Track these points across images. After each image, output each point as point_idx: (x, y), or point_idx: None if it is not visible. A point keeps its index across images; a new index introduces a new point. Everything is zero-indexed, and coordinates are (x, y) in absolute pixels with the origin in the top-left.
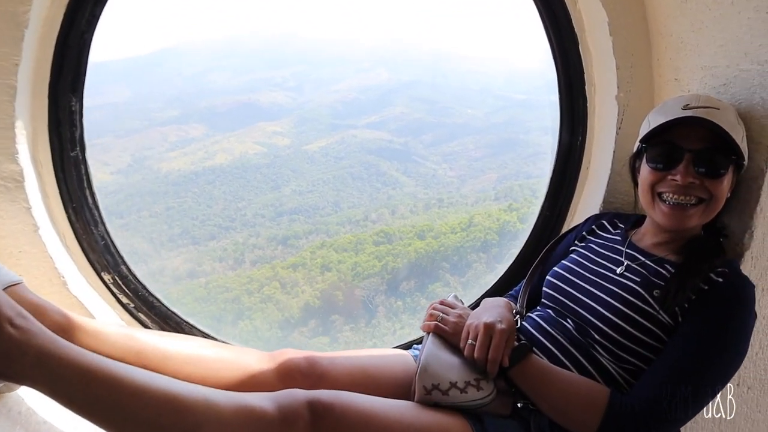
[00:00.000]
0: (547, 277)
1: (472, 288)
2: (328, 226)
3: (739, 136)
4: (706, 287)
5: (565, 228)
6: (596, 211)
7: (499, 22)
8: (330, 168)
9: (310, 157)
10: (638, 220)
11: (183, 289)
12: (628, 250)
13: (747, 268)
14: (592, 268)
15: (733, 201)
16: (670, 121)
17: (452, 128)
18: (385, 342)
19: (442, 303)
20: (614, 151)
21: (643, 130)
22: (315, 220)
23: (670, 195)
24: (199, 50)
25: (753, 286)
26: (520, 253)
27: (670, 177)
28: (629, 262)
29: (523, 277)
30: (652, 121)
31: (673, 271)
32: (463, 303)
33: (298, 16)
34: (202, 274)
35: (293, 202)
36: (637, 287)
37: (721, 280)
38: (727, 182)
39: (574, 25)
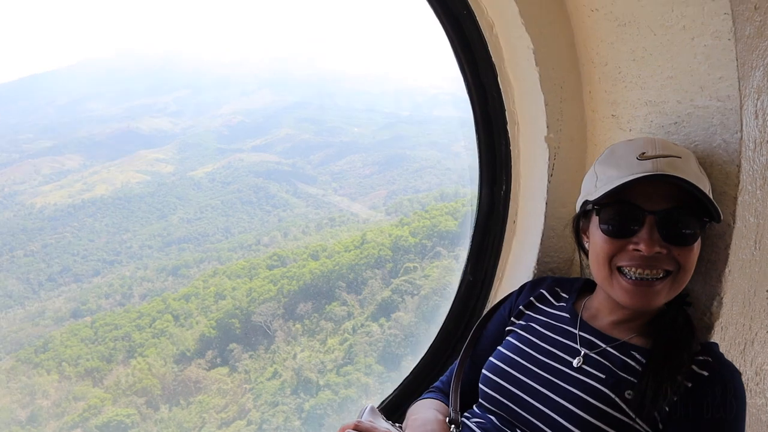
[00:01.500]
0: (484, 371)
1: (368, 305)
2: (220, 253)
3: (707, 189)
4: (689, 384)
5: (494, 295)
6: (529, 274)
7: (389, 40)
8: (218, 193)
9: (196, 184)
10: (584, 285)
11: (67, 330)
12: (582, 334)
13: (716, 340)
14: (541, 360)
15: (697, 262)
16: (631, 181)
17: (340, 147)
18: (286, 367)
19: (357, 427)
20: (546, 202)
21: (590, 186)
22: (205, 248)
23: (633, 270)
24: (75, 76)
25: (740, 374)
26: (442, 327)
27: (631, 246)
28: (587, 351)
29: (446, 356)
30: (601, 174)
31: (643, 361)
32: (381, 415)
33: (179, 39)
34: (87, 313)
35: (181, 231)
36: (602, 387)
37: (706, 373)
38: (698, 248)
39: (491, 53)
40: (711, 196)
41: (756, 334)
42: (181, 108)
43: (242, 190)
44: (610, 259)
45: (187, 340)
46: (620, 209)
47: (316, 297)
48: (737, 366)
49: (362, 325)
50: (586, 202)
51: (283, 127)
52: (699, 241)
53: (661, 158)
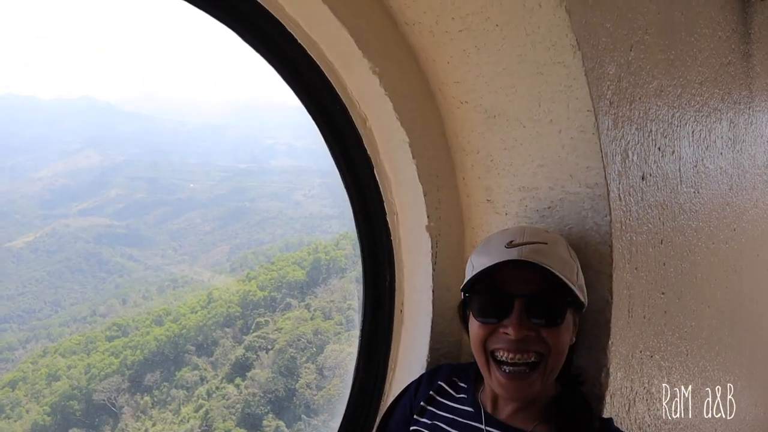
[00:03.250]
0: None
1: (222, 366)
2: (50, 330)
3: (573, 272)
4: None
5: (389, 388)
6: (422, 362)
7: (223, 89)
8: (42, 264)
9: (15, 255)
10: (480, 370)
11: None
12: (489, 428)
13: (608, 410)
14: None
15: (580, 337)
16: (491, 266)
17: (177, 204)
18: None
19: None
20: (433, 290)
21: (468, 275)
22: (32, 326)
23: (505, 354)
24: None
25: None
26: (340, 428)
27: (501, 330)
28: None
29: None
30: (476, 264)
31: None
32: None
33: None
34: None
35: (1, 310)
36: None
37: None
38: (567, 329)
39: (366, 147)
40: (577, 277)
41: (636, 393)
42: None
43: (71, 258)
44: (484, 343)
45: None
46: (490, 295)
47: (164, 364)
48: (624, 428)
49: (217, 388)
50: (462, 291)
51: (114, 188)
52: (569, 321)
53: (527, 245)
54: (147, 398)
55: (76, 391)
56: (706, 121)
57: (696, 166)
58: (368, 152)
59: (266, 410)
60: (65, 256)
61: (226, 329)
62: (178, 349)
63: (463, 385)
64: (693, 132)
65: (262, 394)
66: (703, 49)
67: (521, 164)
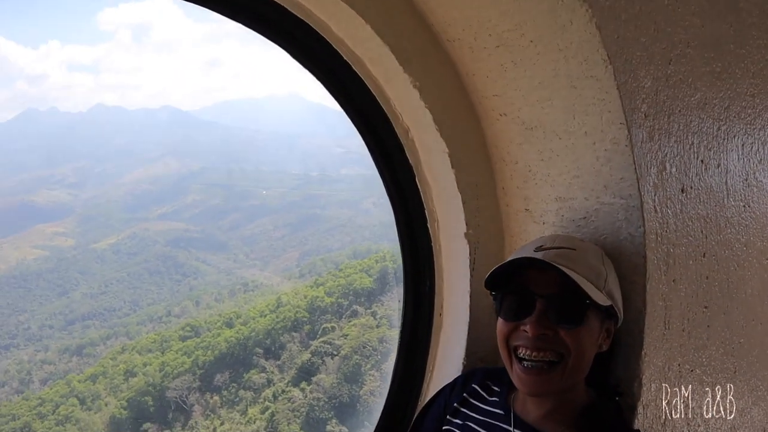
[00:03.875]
0: None
1: (288, 369)
2: (128, 328)
3: (602, 279)
4: None
5: (426, 389)
6: (459, 365)
7: (294, 103)
8: (123, 265)
9: (99, 256)
10: None
11: None
12: (517, 431)
13: (640, 421)
14: None
15: (615, 347)
16: (511, 261)
17: (250, 211)
18: None
19: None
20: (470, 295)
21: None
22: (112, 323)
23: (525, 351)
24: None
25: None
26: (377, 427)
27: (522, 328)
28: None
29: None
30: None
31: None
32: None
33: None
34: None
35: (85, 307)
36: None
37: None
38: (589, 333)
39: (408, 156)
40: (605, 284)
41: (674, 406)
42: (81, 179)
43: (149, 261)
44: (507, 341)
45: (95, 424)
46: (514, 294)
47: (233, 366)
48: None
49: (283, 391)
50: (486, 287)
51: (190, 194)
52: (592, 326)
53: (553, 249)
54: (216, 398)
55: (151, 388)
56: (759, 135)
57: (747, 180)
58: (410, 161)
59: (330, 415)
60: (144, 258)
61: (294, 334)
62: (246, 352)
63: (496, 389)
64: (743, 145)
65: (326, 399)
66: (756, 61)
67: (557, 175)
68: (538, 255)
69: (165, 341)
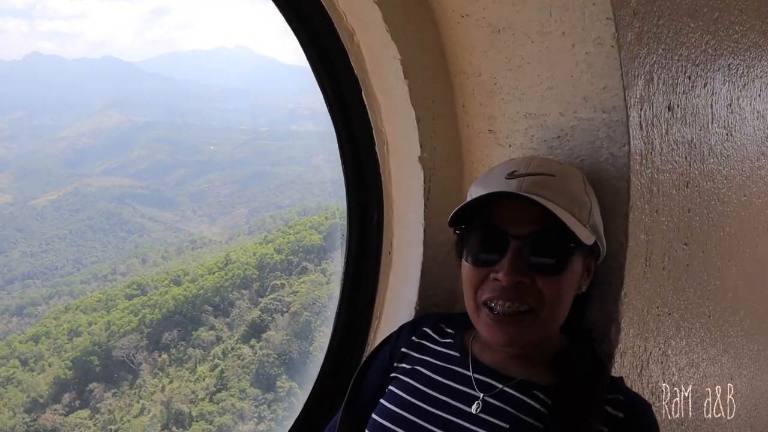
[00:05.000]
0: None
1: (237, 327)
2: (71, 287)
3: (586, 211)
4: (605, 429)
5: (373, 338)
6: (411, 310)
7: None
8: (65, 222)
9: (39, 213)
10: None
11: None
12: (477, 376)
13: (617, 370)
14: (433, 413)
15: (591, 288)
16: (481, 197)
17: (197, 166)
18: (154, 401)
19: None
20: (425, 229)
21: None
22: (54, 282)
23: (494, 302)
24: None
25: (651, 406)
26: (317, 381)
27: (492, 275)
28: (485, 395)
29: (323, 414)
30: (472, 196)
31: (549, 402)
32: None
33: (4, 52)
34: None
35: (25, 266)
36: None
37: (621, 414)
38: (571, 279)
39: (353, 65)
40: (590, 217)
41: (650, 354)
42: (17, 131)
43: (93, 217)
44: (476, 291)
45: (39, 385)
46: (484, 234)
47: (181, 324)
48: (636, 389)
49: (232, 349)
50: (450, 226)
51: (135, 148)
52: (575, 270)
53: (529, 177)
54: (165, 356)
55: (96, 347)
56: (745, 56)
57: (731, 106)
58: (356, 71)
59: (280, 371)
60: (87, 215)
61: (243, 291)
62: (195, 309)
63: (450, 331)
64: (730, 66)
65: (276, 356)
66: None
67: (528, 87)
68: (513, 185)
69: (110, 300)
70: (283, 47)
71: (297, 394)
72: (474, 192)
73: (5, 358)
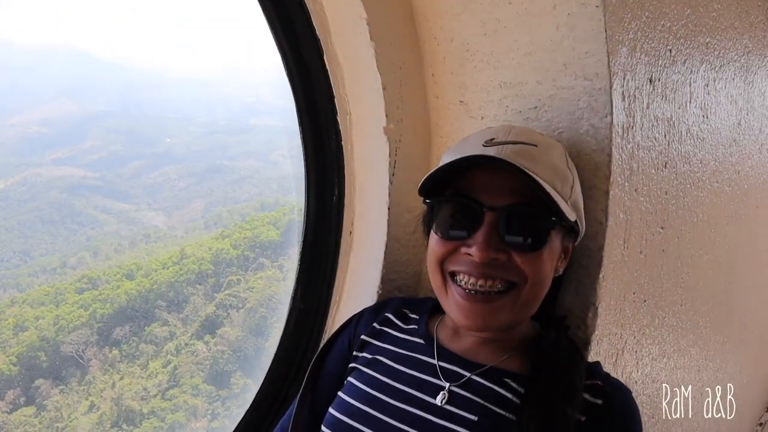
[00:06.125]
0: (324, 428)
1: (191, 322)
2: (18, 280)
3: (568, 185)
4: (583, 417)
5: (331, 325)
6: (373, 295)
7: (202, 42)
8: (12, 213)
9: None
10: (437, 304)
11: None
12: (443, 364)
13: (592, 359)
14: (396, 407)
15: (567, 271)
16: (456, 161)
17: (153, 159)
18: (103, 398)
19: None
20: (389, 207)
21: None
22: (0, 275)
23: (467, 278)
24: None
25: (631, 392)
26: (270, 370)
27: (464, 249)
28: (451, 385)
29: (277, 406)
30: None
31: (521, 391)
32: None
33: None
34: None
35: None
36: None
37: (600, 401)
38: (550, 256)
39: (314, 25)
40: (571, 192)
41: (626, 342)
42: None
43: (42, 208)
44: (442, 264)
45: None
46: (456, 205)
47: (133, 319)
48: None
49: (186, 345)
50: (420, 194)
51: (88, 139)
52: (554, 247)
53: (509, 144)
54: (115, 352)
55: (44, 343)
56: (721, 36)
57: (707, 86)
58: (317, 33)
59: (235, 368)
60: (36, 205)
61: (198, 286)
62: (148, 305)
63: (414, 316)
64: (708, 44)
65: (231, 352)
66: None
67: (504, 53)
68: (492, 151)
69: (60, 294)
70: (246, 45)
71: (252, 391)
72: (445, 158)
73: None
